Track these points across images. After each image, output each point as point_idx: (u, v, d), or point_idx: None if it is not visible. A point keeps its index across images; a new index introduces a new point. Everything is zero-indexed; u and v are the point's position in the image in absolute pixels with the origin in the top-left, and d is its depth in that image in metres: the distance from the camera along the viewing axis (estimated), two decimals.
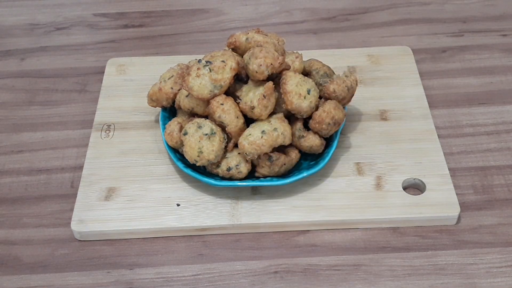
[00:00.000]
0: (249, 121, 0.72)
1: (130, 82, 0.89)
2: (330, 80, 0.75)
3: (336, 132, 0.75)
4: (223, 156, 0.72)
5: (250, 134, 0.70)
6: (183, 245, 0.71)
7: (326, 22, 1.02)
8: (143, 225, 0.71)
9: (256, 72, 0.70)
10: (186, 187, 0.75)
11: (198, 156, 0.70)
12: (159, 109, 0.82)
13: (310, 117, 0.73)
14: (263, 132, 0.70)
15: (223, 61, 0.71)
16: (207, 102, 0.72)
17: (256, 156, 0.70)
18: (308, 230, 0.72)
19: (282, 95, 0.71)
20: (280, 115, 0.72)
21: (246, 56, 0.72)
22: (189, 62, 0.80)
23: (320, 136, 0.73)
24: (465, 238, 0.71)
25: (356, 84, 0.76)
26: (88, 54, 0.97)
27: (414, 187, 0.75)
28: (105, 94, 0.87)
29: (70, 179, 0.78)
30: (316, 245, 0.70)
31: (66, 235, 0.72)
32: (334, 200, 0.73)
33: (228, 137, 0.72)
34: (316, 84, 0.75)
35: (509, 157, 0.79)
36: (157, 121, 0.83)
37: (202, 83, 0.71)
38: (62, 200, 0.76)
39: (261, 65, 0.70)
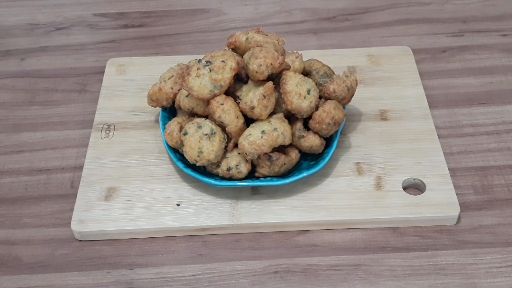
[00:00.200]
0: (249, 121, 0.72)
1: (130, 82, 0.89)
2: (330, 80, 0.75)
3: (336, 132, 0.75)
4: (223, 156, 0.72)
5: (250, 134, 0.70)
6: (183, 245, 0.71)
7: (326, 22, 1.02)
8: (143, 225, 0.71)
9: (256, 72, 0.70)
10: (186, 187, 0.75)
11: (198, 156, 0.70)
12: (159, 109, 0.82)
13: (310, 117, 0.73)
14: (263, 132, 0.70)
15: (223, 61, 0.71)
16: (207, 102, 0.72)
17: (256, 156, 0.70)
18: (308, 230, 0.72)
19: (282, 95, 0.71)
20: (280, 115, 0.72)
21: (246, 56, 0.72)
22: (189, 62, 0.80)
23: (320, 136, 0.73)
24: (465, 238, 0.71)
25: (356, 84, 0.76)
26: (88, 54, 0.97)
27: (414, 187, 0.75)
28: (105, 94, 0.87)
29: (70, 179, 0.78)
30: (316, 245, 0.70)
31: (66, 235, 0.72)
32: (334, 200, 0.73)
33: (228, 137, 0.72)
34: (316, 84, 0.75)
35: (509, 157, 0.79)
36: (157, 121, 0.83)
37: (202, 83, 0.71)
38: (62, 200, 0.76)
39: (261, 65, 0.70)
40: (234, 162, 0.72)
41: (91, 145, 0.80)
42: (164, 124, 0.77)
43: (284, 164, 0.72)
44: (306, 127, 0.73)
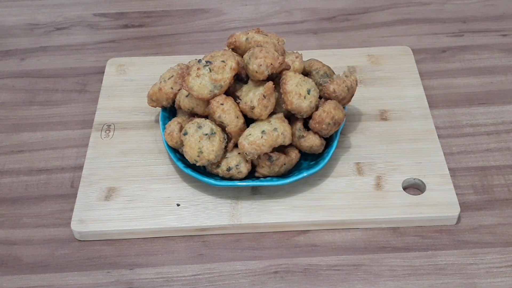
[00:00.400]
0: (249, 121, 0.72)
1: (130, 82, 0.89)
2: (330, 80, 0.75)
3: (336, 132, 0.75)
4: (223, 156, 0.72)
5: (250, 134, 0.70)
6: (183, 245, 0.71)
7: (326, 22, 1.02)
8: (143, 225, 0.71)
9: (256, 72, 0.70)
10: (186, 187, 0.75)
11: (198, 156, 0.70)
12: (159, 109, 0.82)
13: (310, 117, 0.73)
14: (263, 132, 0.70)
15: (223, 61, 0.71)
16: (207, 102, 0.72)
17: (256, 156, 0.70)
18: (308, 230, 0.72)
19: (282, 95, 0.71)
20: (280, 115, 0.72)
21: (246, 56, 0.72)
22: (189, 62, 0.80)
23: (320, 136, 0.73)
24: (465, 238, 0.71)
25: (356, 84, 0.76)
26: (88, 54, 0.97)
27: (414, 187, 0.75)
28: (105, 94, 0.87)
29: (70, 179, 0.78)
30: (316, 245, 0.70)
31: (66, 235, 0.72)
32: (334, 200, 0.73)
33: (228, 137, 0.72)
34: (316, 84, 0.75)
35: (509, 157, 0.79)
36: (157, 121, 0.83)
37: (202, 83, 0.71)
38: (62, 200, 0.76)
39: (261, 65, 0.70)
40: (234, 162, 0.72)
41: (91, 145, 0.80)
42: (164, 124, 0.77)
43: (284, 164, 0.72)
44: (306, 127, 0.73)
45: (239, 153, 0.72)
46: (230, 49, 0.76)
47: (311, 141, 0.73)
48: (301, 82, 0.72)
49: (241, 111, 0.72)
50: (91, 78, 0.92)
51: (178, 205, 0.73)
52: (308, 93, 0.71)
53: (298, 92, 0.71)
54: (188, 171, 0.73)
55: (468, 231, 0.71)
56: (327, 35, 0.99)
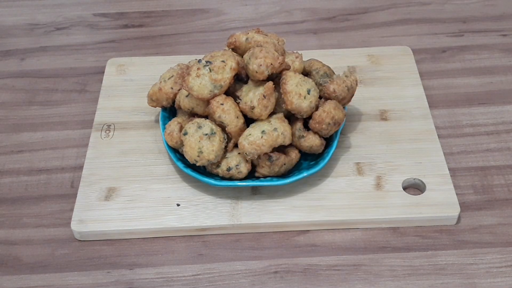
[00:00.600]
0: (249, 121, 0.72)
1: (130, 82, 0.89)
2: (330, 80, 0.75)
3: (336, 132, 0.75)
4: (223, 156, 0.72)
5: (250, 134, 0.70)
6: (183, 245, 0.71)
7: (326, 22, 1.02)
8: (143, 225, 0.71)
9: (256, 72, 0.70)
10: (186, 187, 0.75)
11: (198, 156, 0.70)
12: (159, 109, 0.82)
13: (310, 117, 0.73)
14: (263, 132, 0.70)
15: (223, 61, 0.71)
16: (207, 102, 0.72)
17: (256, 156, 0.70)
18: (308, 230, 0.72)
19: (282, 95, 0.71)
20: (280, 115, 0.72)
21: (246, 56, 0.72)
22: (189, 62, 0.80)
23: (320, 136, 0.73)
24: (465, 238, 0.71)
25: (356, 84, 0.76)
26: (88, 54, 0.97)
27: (414, 187, 0.75)
28: (105, 94, 0.87)
29: (70, 179, 0.78)
30: (316, 245, 0.70)
31: (66, 235, 0.72)
32: (334, 200, 0.73)
33: (228, 137, 0.72)
34: (316, 84, 0.75)
35: (509, 157, 0.79)
36: (157, 121, 0.83)
37: (202, 83, 0.71)
38: (62, 200, 0.76)
39: (261, 65, 0.70)
40: (234, 162, 0.72)
41: (91, 145, 0.80)
42: (164, 124, 0.77)
43: (284, 164, 0.72)
44: (306, 127, 0.73)
45: (239, 153, 0.72)
46: (230, 49, 0.76)
47: (311, 141, 0.73)
48: (301, 82, 0.72)
49: (241, 111, 0.72)
50: (91, 78, 0.92)
51: (178, 205, 0.73)
52: (308, 93, 0.71)
53: (298, 92, 0.71)
54: (188, 171, 0.73)
55: (468, 231, 0.71)
56: (327, 35, 0.99)
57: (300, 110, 0.71)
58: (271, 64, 0.70)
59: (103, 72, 0.91)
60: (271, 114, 0.72)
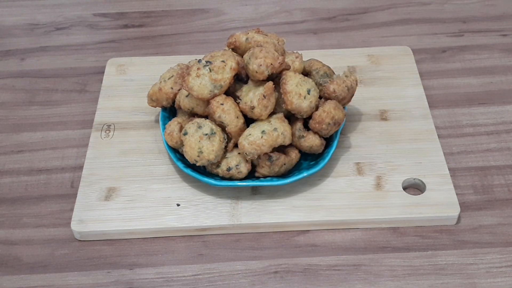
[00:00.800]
0: (249, 121, 0.72)
1: (130, 82, 0.89)
2: (330, 80, 0.75)
3: (336, 132, 0.75)
4: (223, 156, 0.72)
5: (250, 134, 0.70)
6: (183, 245, 0.71)
7: (326, 22, 1.02)
8: (143, 225, 0.71)
9: (256, 72, 0.70)
10: (186, 187, 0.75)
11: (198, 156, 0.70)
12: (159, 109, 0.82)
13: (310, 117, 0.73)
14: (263, 132, 0.70)
15: (223, 61, 0.71)
16: (207, 102, 0.72)
17: (256, 156, 0.70)
18: (308, 230, 0.72)
19: (282, 95, 0.71)
20: (280, 115, 0.72)
21: (246, 56, 0.72)
22: (189, 62, 0.80)
23: (320, 136, 0.73)
24: (465, 238, 0.71)
25: (356, 84, 0.76)
26: (88, 54, 0.97)
27: (414, 187, 0.75)
28: (105, 94, 0.87)
29: (70, 179, 0.78)
30: (316, 245, 0.70)
31: (66, 235, 0.72)
32: (334, 200, 0.73)
33: (228, 137, 0.72)
34: (316, 84, 0.75)
35: (509, 157, 0.79)
36: (157, 121, 0.83)
37: (202, 83, 0.71)
38: (62, 200, 0.76)
39: (261, 65, 0.70)
40: (234, 162, 0.72)
41: (91, 145, 0.80)
42: (164, 124, 0.77)
43: (284, 164, 0.72)
44: (306, 127, 0.73)
45: (239, 153, 0.72)
46: (230, 49, 0.76)
47: (311, 141, 0.73)
48: (301, 82, 0.72)
49: (241, 111, 0.72)
50: (91, 78, 0.92)
51: (178, 205, 0.73)
52: (308, 93, 0.71)
53: (298, 92, 0.71)
54: (188, 171, 0.73)
55: (468, 231, 0.71)
56: (327, 35, 0.99)
57: (300, 110, 0.71)
58: (271, 64, 0.70)
59: (103, 72, 0.91)
60: (271, 114, 0.72)
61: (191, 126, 0.72)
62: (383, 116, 0.83)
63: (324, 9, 1.04)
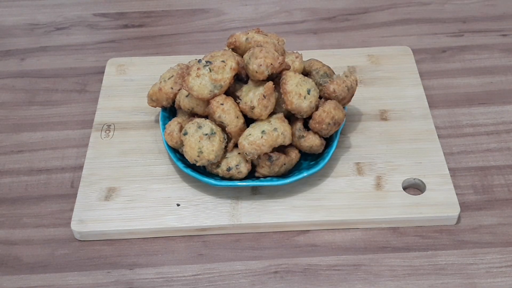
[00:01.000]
0: (249, 121, 0.72)
1: (130, 82, 0.89)
2: (330, 80, 0.75)
3: (336, 132, 0.75)
4: (223, 156, 0.72)
5: (250, 134, 0.70)
6: (183, 245, 0.71)
7: (326, 22, 1.02)
8: (143, 225, 0.71)
9: (256, 72, 0.70)
10: (186, 187, 0.75)
11: (198, 156, 0.70)
12: (159, 109, 0.82)
13: (310, 117, 0.73)
14: (263, 132, 0.70)
15: (223, 61, 0.71)
16: (207, 102, 0.72)
17: (256, 156, 0.70)
18: (308, 230, 0.72)
19: (282, 95, 0.71)
20: (280, 115, 0.72)
21: (246, 56, 0.72)
22: (189, 62, 0.80)
23: (320, 136, 0.73)
24: (465, 238, 0.71)
25: (356, 84, 0.76)
26: (88, 54, 0.97)
27: (414, 187, 0.75)
28: (105, 94, 0.87)
29: (70, 179, 0.78)
30: (316, 245, 0.70)
31: (66, 235, 0.72)
32: (334, 200, 0.73)
33: (228, 137, 0.72)
34: (316, 84, 0.75)
35: (509, 157, 0.79)
36: (157, 121, 0.83)
37: (202, 83, 0.71)
38: (62, 200, 0.76)
39: (261, 65, 0.70)
40: (234, 162, 0.72)
41: (91, 145, 0.80)
42: (164, 124, 0.77)
43: (284, 164, 0.72)
44: (306, 127, 0.73)
45: (239, 153, 0.72)
46: (230, 49, 0.76)
47: (311, 141, 0.73)
48: (301, 82, 0.72)
49: (241, 111, 0.72)
50: (91, 78, 0.92)
51: (178, 205, 0.73)
52: (308, 93, 0.71)
53: (298, 92, 0.71)
54: (188, 171, 0.73)
55: (468, 231, 0.71)
56: (327, 35, 0.99)
57: (300, 110, 0.71)
58: (271, 64, 0.70)
59: (103, 72, 0.91)
60: (271, 114, 0.72)
61: (191, 126, 0.72)
62: (383, 116, 0.82)
63: (324, 9, 1.04)
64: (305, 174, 0.72)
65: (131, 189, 0.75)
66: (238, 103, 0.72)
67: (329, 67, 0.78)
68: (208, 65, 0.71)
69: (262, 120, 0.71)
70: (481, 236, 0.71)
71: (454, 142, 0.81)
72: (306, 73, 0.78)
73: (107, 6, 1.07)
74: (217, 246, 0.71)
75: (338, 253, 0.70)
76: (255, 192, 0.74)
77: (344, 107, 0.76)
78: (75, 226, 0.71)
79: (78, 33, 1.01)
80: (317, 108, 0.73)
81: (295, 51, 0.78)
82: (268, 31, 0.79)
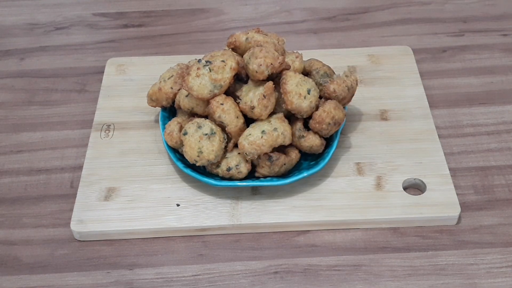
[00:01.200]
0: (249, 121, 0.72)
1: (130, 82, 0.89)
2: (330, 80, 0.75)
3: (336, 132, 0.75)
4: (223, 156, 0.72)
5: (250, 134, 0.70)
6: (183, 245, 0.71)
7: (326, 22, 1.02)
8: (143, 225, 0.71)
9: (256, 72, 0.70)
10: (186, 187, 0.75)
11: (198, 156, 0.70)
12: (159, 109, 0.82)
13: (310, 117, 0.73)
14: (263, 132, 0.70)
15: (223, 61, 0.71)
16: (207, 102, 0.72)
17: (256, 156, 0.70)
18: (308, 230, 0.72)
19: (282, 95, 0.71)
20: (280, 115, 0.72)
21: (246, 56, 0.72)
22: (189, 62, 0.80)
23: (320, 136, 0.73)
24: (466, 238, 0.70)
25: (356, 84, 0.76)
26: (87, 54, 0.97)
27: (415, 187, 0.75)
28: (105, 94, 0.87)
29: (69, 179, 0.78)
30: (316, 245, 0.70)
31: (66, 235, 0.72)
32: (334, 200, 0.73)
33: (228, 137, 0.72)
34: (316, 84, 0.75)
35: (509, 157, 0.79)
36: (157, 121, 0.82)
37: (202, 83, 0.71)
38: (61, 200, 0.75)
39: (261, 65, 0.70)
40: (234, 162, 0.72)
41: (90, 145, 0.80)
42: (164, 124, 0.77)
43: (284, 164, 0.72)
44: (306, 127, 0.73)
45: (239, 153, 0.72)
46: (230, 49, 0.75)
47: (311, 141, 0.72)
48: (301, 82, 0.72)
49: (241, 111, 0.72)
50: (90, 78, 0.92)
51: (178, 205, 0.73)
52: (308, 93, 0.71)
53: (298, 92, 0.71)
54: (188, 171, 0.72)
55: (469, 231, 0.71)
56: (327, 35, 0.99)
57: (300, 110, 0.71)
58: (271, 64, 0.70)
59: (103, 72, 0.91)
60: (271, 114, 0.72)
61: (191, 126, 0.71)
62: (383, 116, 0.82)
63: (324, 8, 1.04)
64: (305, 174, 0.72)
65: (131, 189, 0.74)
66: (238, 103, 0.72)
67: (329, 67, 0.78)
68: (208, 65, 0.71)
69: (262, 120, 0.71)
70: (481, 236, 0.71)
71: (455, 142, 0.81)
72: (306, 73, 0.77)
73: (106, 5, 1.06)
74: (217, 246, 0.71)
75: (338, 253, 0.69)
76: (255, 192, 0.74)
77: (344, 107, 0.76)
78: (75, 226, 0.71)
79: (77, 33, 1.01)
80: (317, 108, 0.72)
81: (295, 51, 0.78)
82: (268, 31, 0.79)
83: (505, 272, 0.67)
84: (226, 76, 0.71)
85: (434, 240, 0.70)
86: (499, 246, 0.70)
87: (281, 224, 0.71)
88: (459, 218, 0.72)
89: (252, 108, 0.70)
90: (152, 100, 0.79)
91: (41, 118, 0.86)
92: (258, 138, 0.69)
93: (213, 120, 0.72)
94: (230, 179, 0.72)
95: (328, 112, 0.71)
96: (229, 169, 0.72)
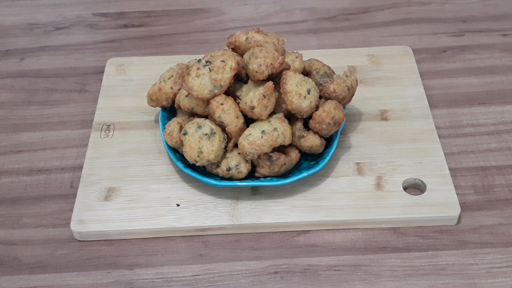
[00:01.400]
0: (249, 121, 0.72)
1: (130, 82, 0.89)
2: (330, 80, 0.75)
3: (336, 132, 0.75)
4: (223, 156, 0.72)
5: (250, 134, 0.70)
6: (183, 245, 0.71)
7: (326, 22, 1.02)
8: (143, 225, 0.71)
9: (256, 72, 0.70)
10: (186, 187, 0.75)
11: (198, 156, 0.70)
12: (159, 109, 0.82)
13: (310, 117, 0.73)
14: (263, 132, 0.70)
15: (223, 61, 0.71)
16: (207, 102, 0.72)
17: (256, 156, 0.70)
18: (308, 230, 0.72)
19: (282, 95, 0.71)
20: (280, 115, 0.72)
21: (246, 56, 0.72)
22: (189, 62, 0.80)
23: (320, 136, 0.73)
24: (466, 238, 0.70)
25: (356, 84, 0.76)
26: (87, 54, 0.97)
27: (415, 187, 0.75)
28: (105, 94, 0.87)
29: (69, 179, 0.78)
30: (316, 245, 0.70)
31: (66, 235, 0.72)
32: (334, 200, 0.73)
33: (228, 137, 0.72)
34: (316, 84, 0.75)
35: (509, 157, 0.79)
36: (157, 121, 0.82)
37: (202, 83, 0.71)
38: (61, 200, 0.75)
39: (261, 65, 0.70)
40: (234, 162, 0.72)
41: (90, 145, 0.80)
42: (164, 124, 0.77)
43: (284, 164, 0.72)
44: (306, 127, 0.73)
45: (239, 153, 0.72)
46: (230, 49, 0.75)
47: (311, 141, 0.72)
48: (301, 82, 0.72)
49: (241, 111, 0.72)
50: (90, 78, 0.92)
51: (178, 205, 0.73)
52: (308, 93, 0.71)
53: (298, 92, 0.71)
54: (188, 171, 0.72)
55: (469, 231, 0.71)
56: (327, 35, 0.99)
57: (300, 110, 0.71)
58: (271, 64, 0.70)
59: (103, 72, 0.91)
60: (271, 114, 0.72)
61: (191, 126, 0.71)
62: (383, 116, 0.82)
63: (324, 9, 1.04)
64: (305, 174, 0.72)
65: (131, 189, 0.74)
66: (238, 103, 0.72)
67: (329, 67, 0.78)
68: (208, 65, 0.71)
69: (262, 120, 0.71)
70: (481, 236, 0.71)
71: (455, 142, 0.81)
72: (306, 73, 0.77)
73: (106, 5, 1.06)
74: (217, 246, 0.71)
75: (338, 253, 0.69)
76: (255, 192, 0.74)
77: (344, 107, 0.76)
78: (75, 226, 0.71)
79: (77, 33, 1.01)
80: (317, 108, 0.72)
81: (295, 51, 0.78)
82: (268, 31, 0.79)
83: (505, 272, 0.67)
84: (226, 76, 0.71)
85: (434, 240, 0.70)
86: (499, 246, 0.70)
87: (281, 224, 0.71)
88: (459, 218, 0.72)
89: (252, 108, 0.70)
90: (152, 100, 0.79)
91: (41, 118, 0.86)
92: (258, 138, 0.69)
93: (213, 120, 0.72)
94: (230, 179, 0.72)
95: (328, 112, 0.71)
96: (229, 169, 0.72)
